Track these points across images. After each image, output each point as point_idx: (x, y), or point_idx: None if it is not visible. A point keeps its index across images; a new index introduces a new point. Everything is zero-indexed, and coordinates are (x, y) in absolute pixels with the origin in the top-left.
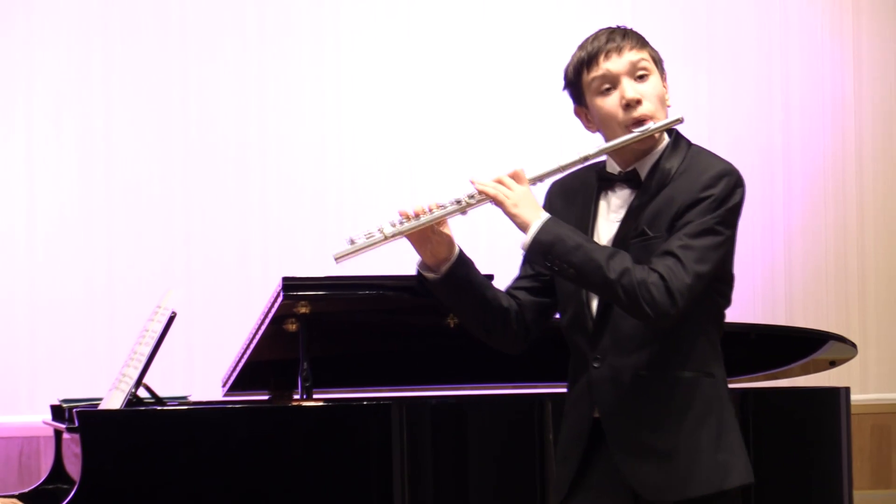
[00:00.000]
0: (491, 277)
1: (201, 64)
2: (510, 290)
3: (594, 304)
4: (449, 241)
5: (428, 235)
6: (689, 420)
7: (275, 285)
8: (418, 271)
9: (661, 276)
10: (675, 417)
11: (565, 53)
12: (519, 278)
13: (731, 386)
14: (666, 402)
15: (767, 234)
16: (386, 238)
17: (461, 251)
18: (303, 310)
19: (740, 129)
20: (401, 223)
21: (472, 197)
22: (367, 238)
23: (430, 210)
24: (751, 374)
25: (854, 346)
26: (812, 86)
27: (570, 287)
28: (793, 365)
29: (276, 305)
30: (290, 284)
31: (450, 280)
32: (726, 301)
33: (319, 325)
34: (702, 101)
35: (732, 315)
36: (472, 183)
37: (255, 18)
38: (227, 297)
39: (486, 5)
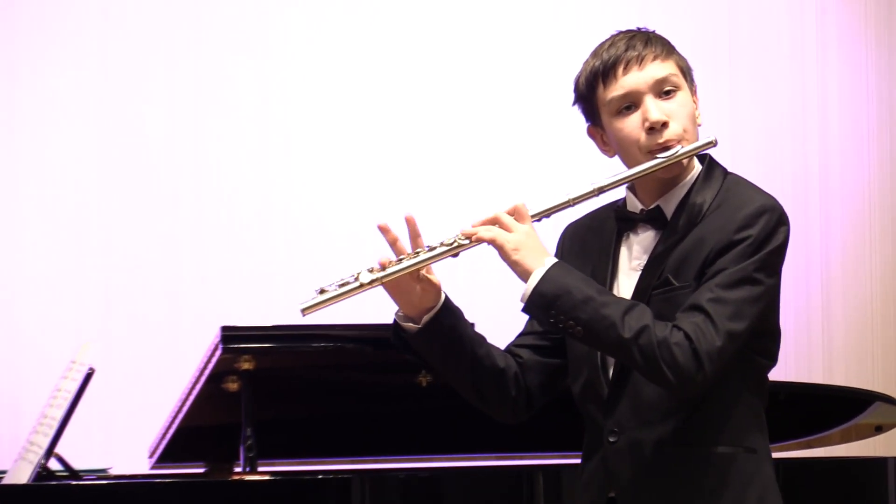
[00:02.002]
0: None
1: (123, 107)
2: (511, 348)
3: (610, 366)
4: (436, 289)
5: (411, 283)
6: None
7: (212, 336)
8: (395, 321)
9: (687, 336)
10: (708, 501)
11: (569, 57)
12: (523, 334)
13: None
14: (696, 483)
15: (802, 275)
16: (363, 286)
17: (447, 297)
18: (245, 365)
19: (768, 149)
20: (381, 269)
21: (465, 237)
22: (341, 287)
23: (416, 253)
24: (780, 442)
25: None
26: (855, 97)
27: (581, 349)
28: (831, 431)
29: (214, 360)
30: (230, 335)
31: (432, 331)
32: (771, 360)
33: (265, 383)
34: (722, 116)
35: None
36: (463, 234)
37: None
38: (154, 351)
39: (482, 4)
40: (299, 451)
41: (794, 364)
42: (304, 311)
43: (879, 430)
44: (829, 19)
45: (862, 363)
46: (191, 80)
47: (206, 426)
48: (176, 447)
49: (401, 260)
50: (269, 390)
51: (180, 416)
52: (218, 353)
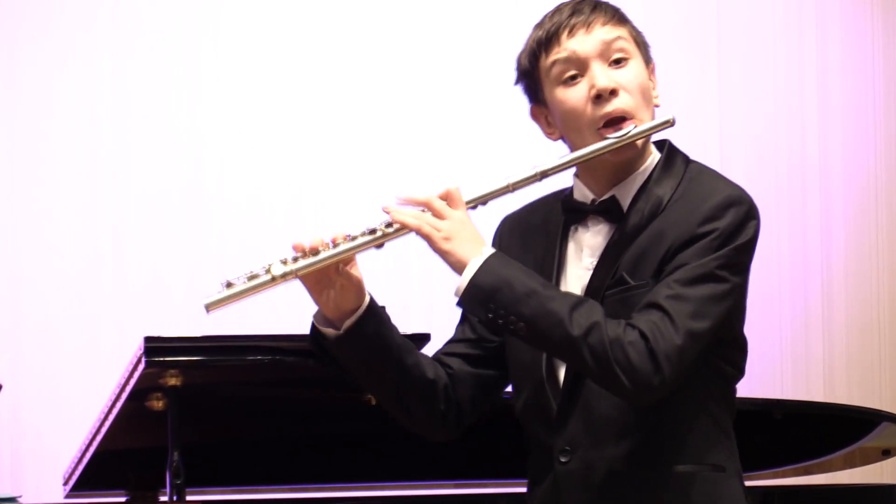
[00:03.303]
0: (426, 338)
1: (34, 108)
2: (440, 356)
3: (560, 376)
4: (358, 287)
5: (331, 278)
6: None
7: (134, 348)
8: (313, 325)
9: (643, 335)
10: None
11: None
12: (453, 341)
13: (748, 483)
14: None
15: (799, 278)
16: (275, 280)
17: (372, 300)
18: (172, 381)
19: (762, 138)
20: (294, 260)
21: (389, 225)
22: (250, 280)
23: (335, 243)
24: (776, 468)
25: None
26: (858, 81)
27: (524, 357)
28: (833, 455)
29: (137, 375)
30: (154, 347)
31: (354, 338)
32: (737, 371)
33: (194, 401)
34: (710, 100)
35: (751, 389)
36: (387, 212)
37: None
38: (70, 364)
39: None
40: (232, 477)
41: (790, 379)
42: (209, 306)
43: (887, 454)
44: None
45: (867, 378)
46: (108, 78)
47: (127, 450)
48: (94, 473)
49: (318, 251)
50: (199, 409)
51: (98, 438)
52: (141, 366)
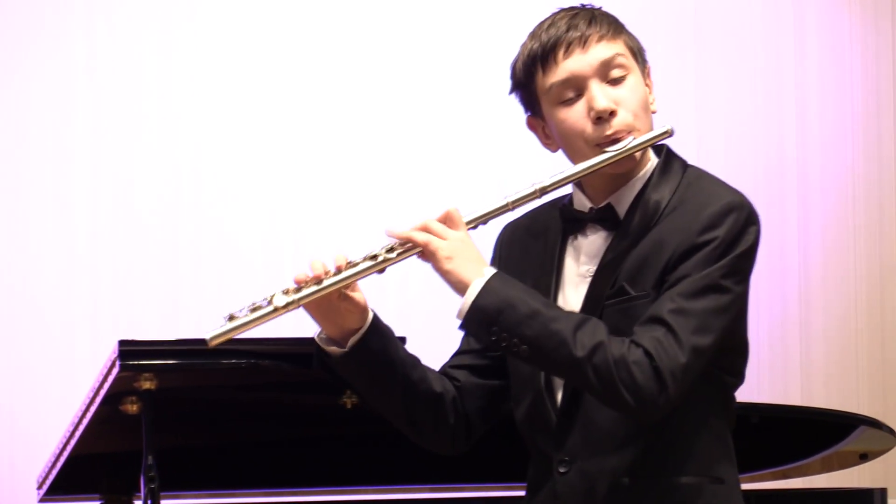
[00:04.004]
0: (402, 341)
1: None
2: (447, 370)
3: (559, 388)
4: (361, 309)
5: (333, 303)
6: None
7: (108, 351)
8: (316, 345)
9: (647, 353)
10: None
11: (504, 43)
12: (458, 353)
13: None
14: None
15: (776, 281)
16: (277, 310)
17: (376, 317)
18: (147, 385)
19: (739, 139)
20: (297, 290)
21: (391, 250)
22: (253, 311)
23: (338, 270)
24: (754, 472)
25: (893, 433)
26: (836, 79)
27: (524, 369)
28: (811, 459)
29: (111, 379)
30: (128, 350)
31: (359, 355)
32: (737, 378)
33: (169, 405)
34: (687, 101)
35: None
36: (391, 235)
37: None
38: (44, 367)
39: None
40: (207, 482)
41: (767, 383)
42: (212, 340)
43: (864, 457)
44: None
45: (844, 382)
46: (83, 81)
47: (102, 454)
48: (68, 477)
49: (320, 279)
50: (174, 413)
51: (73, 442)
52: (115, 370)
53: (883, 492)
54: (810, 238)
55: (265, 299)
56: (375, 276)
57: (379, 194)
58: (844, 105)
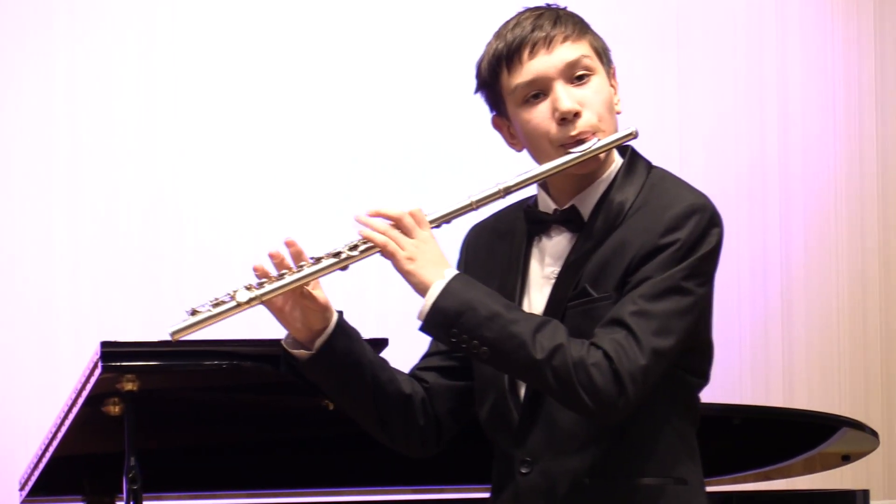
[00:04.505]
0: (384, 343)
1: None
2: (415, 372)
3: (522, 388)
4: (324, 307)
5: (295, 301)
6: None
7: (91, 353)
8: (283, 349)
9: (606, 355)
10: None
11: (466, 45)
12: (427, 355)
13: (709, 489)
14: None
15: (758, 281)
16: (240, 306)
17: (341, 318)
18: (129, 386)
19: (722, 141)
20: (259, 285)
21: (353, 248)
22: (215, 307)
23: (299, 267)
24: (735, 473)
25: (875, 434)
26: (818, 79)
27: (486, 370)
28: (793, 460)
29: (94, 380)
30: (111, 352)
31: (326, 357)
32: (702, 379)
33: (151, 406)
34: (668, 99)
35: (711, 394)
36: (358, 221)
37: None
38: (26, 369)
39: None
40: (190, 483)
41: (749, 384)
42: (174, 334)
43: (847, 459)
44: None
45: (827, 383)
46: (66, 79)
47: (84, 455)
48: (50, 479)
49: (282, 275)
50: (156, 414)
51: (55, 443)
52: (97, 371)
53: (865, 493)
54: (792, 239)
55: (228, 294)
56: (359, 275)
57: (359, 195)
58: (826, 107)
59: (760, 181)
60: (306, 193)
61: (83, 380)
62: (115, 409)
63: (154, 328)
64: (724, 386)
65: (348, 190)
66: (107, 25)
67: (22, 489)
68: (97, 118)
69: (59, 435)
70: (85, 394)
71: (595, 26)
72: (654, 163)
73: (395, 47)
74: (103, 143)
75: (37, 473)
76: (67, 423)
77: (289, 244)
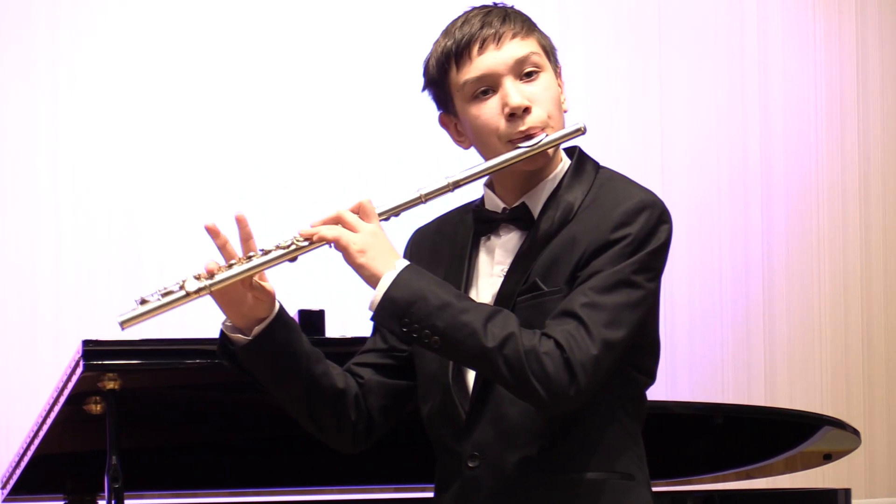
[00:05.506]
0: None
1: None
2: (352, 367)
3: (469, 381)
4: (271, 299)
5: (243, 291)
6: None
7: (72, 351)
8: (222, 332)
9: (558, 344)
10: None
11: (418, 41)
12: (364, 352)
13: (690, 487)
14: None
15: (741, 281)
16: (189, 295)
17: (282, 309)
18: (110, 384)
19: (703, 142)
20: (209, 276)
21: (304, 240)
22: (164, 296)
23: (248, 258)
24: (717, 472)
25: (857, 433)
26: (800, 79)
27: (432, 366)
28: (774, 459)
29: (75, 379)
30: (93, 350)
31: (263, 344)
32: (648, 377)
33: (133, 405)
34: (650, 100)
35: (693, 393)
36: (300, 234)
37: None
38: (7, 367)
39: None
40: (172, 482)
41: (731, 383)
42: (123, 324)
43: (828, 458)
44: None
45: (808, 382)
46: (48, 79)
47: (65, 454)
48: (32, 477)
49: (231, 265)
50: (138, 413)
51: (36, 442)
52: (79, 370)
53: (847, 492)
54: (773, 238)
55: (177, 284)
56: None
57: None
58: (808, 107)
59: (742, 181)
60: (291, 192)
61: (65, 378)
62: (96, 408)
63: (136, 327)
64: (706, 385)
65: (336, 190)
66: (89, 15)
67: (3, 488)
68: (79, 117)
69: (41, 434)
70: (66, 392)
71: (577, 28)
72: (636, 163)
73: (395, 47)
74: (85, 143)
75: (18, 472)
76: (49, 421)
77: (238, 219)
